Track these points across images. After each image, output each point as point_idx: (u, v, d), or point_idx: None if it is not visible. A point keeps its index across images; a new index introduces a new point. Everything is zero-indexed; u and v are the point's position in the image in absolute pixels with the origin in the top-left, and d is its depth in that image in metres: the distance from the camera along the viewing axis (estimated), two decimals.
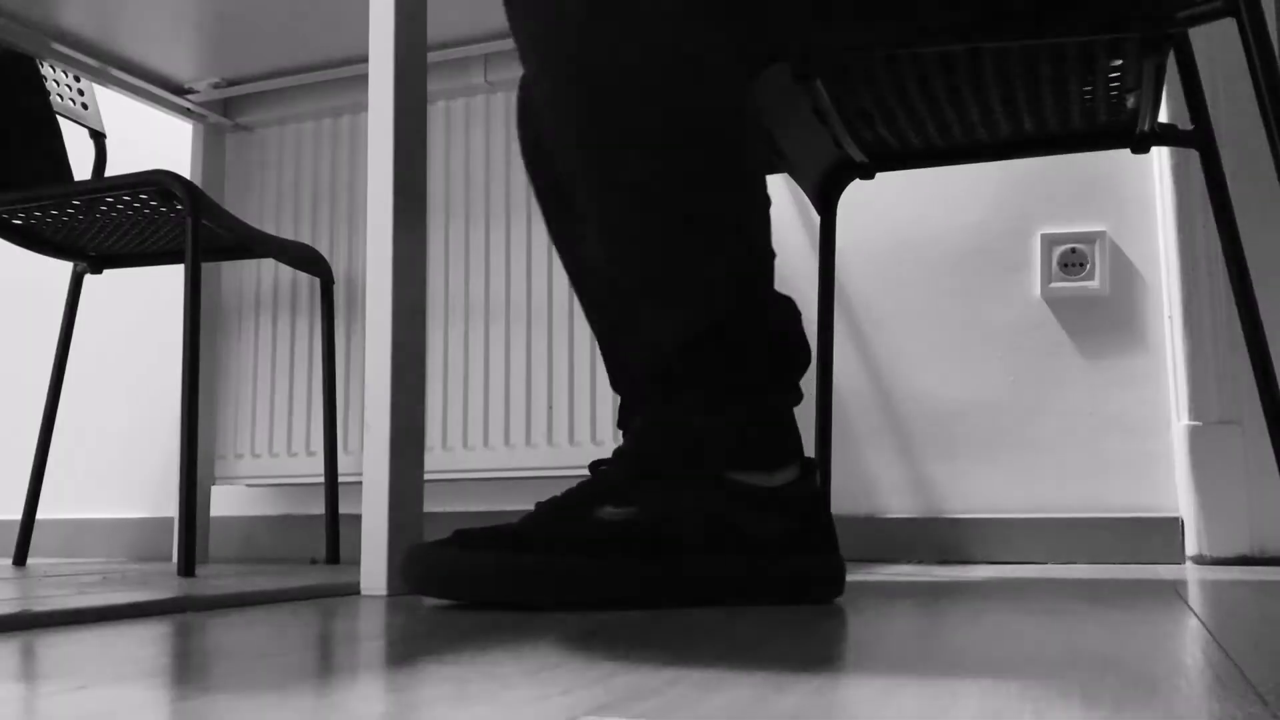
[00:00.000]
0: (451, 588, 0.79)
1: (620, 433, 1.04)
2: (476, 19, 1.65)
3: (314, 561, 1.83)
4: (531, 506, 1.76)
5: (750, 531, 0.81)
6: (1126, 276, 1.56)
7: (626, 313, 0.88)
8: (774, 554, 0.82)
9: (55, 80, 1.78)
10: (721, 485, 0.81)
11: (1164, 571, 1.27)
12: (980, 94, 1.08)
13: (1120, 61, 1.01)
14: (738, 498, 0.81)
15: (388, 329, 1.02)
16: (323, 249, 1.86)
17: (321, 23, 1.66)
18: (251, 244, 1.60)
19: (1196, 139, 1.10)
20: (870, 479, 1.63)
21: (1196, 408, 1.48)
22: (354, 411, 1.80)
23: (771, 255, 0.86)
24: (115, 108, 2.05)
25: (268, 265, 1.90)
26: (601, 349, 0.99)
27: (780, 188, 1.66)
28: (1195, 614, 0.71)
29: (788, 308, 0.87)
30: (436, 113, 1.80)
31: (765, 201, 0.86)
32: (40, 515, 2.09)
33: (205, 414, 1.88)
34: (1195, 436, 1.48)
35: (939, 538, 1.58)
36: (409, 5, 1.07)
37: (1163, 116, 1.18)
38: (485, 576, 0.77)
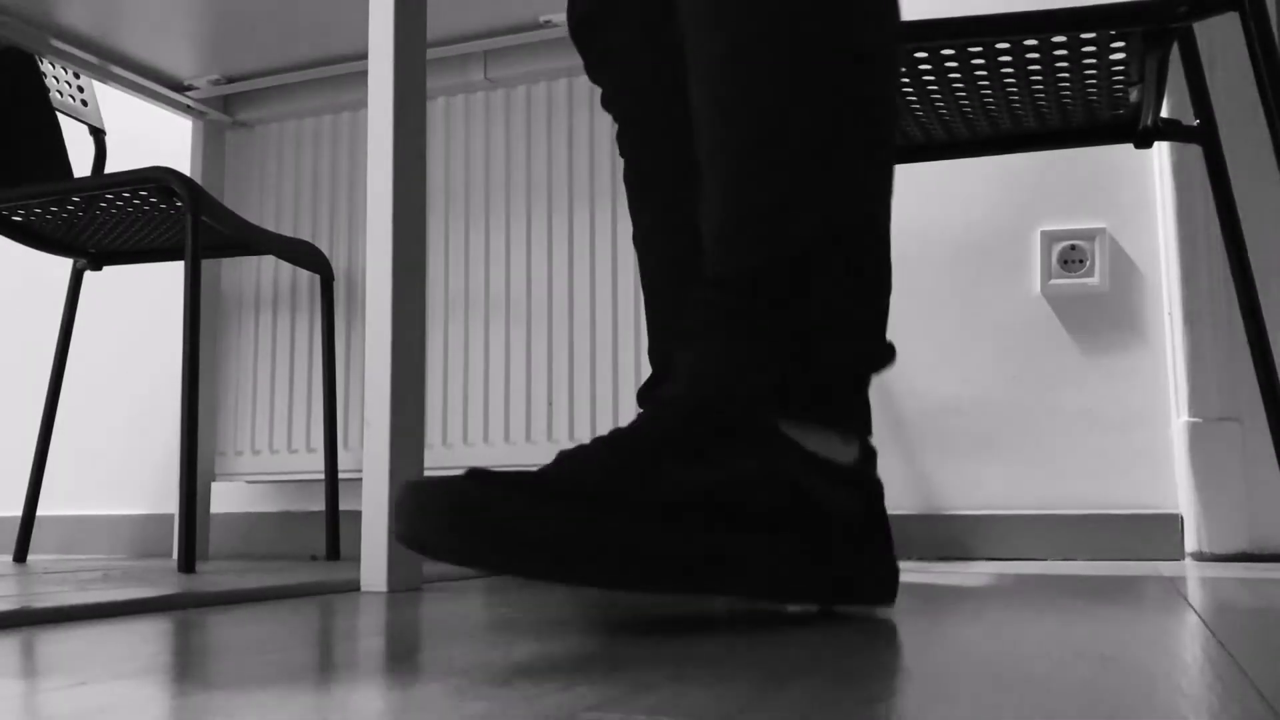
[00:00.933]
0: (507, 555, 0.57)
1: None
2: (476, 15, 1.65)
3: (314, 558, 1.83)
4: None
5: (834, 511, 0.69)
6: (1126, 273, 1.56)
7: (747, 197, 0.71)
8: (855, 546, 0.70)
9: (55, 77, 1.78)
10: (794, 452, 0.67)
11: (1164, 568, 1.27)
12: (982, 88, 1.08)
13: (1123, 55, 1.01)
14: (812, 468, 0.68)
15: (388, 325, 1.02)
16: (323, 246, 1.86)
17: (321, 19, 1.66)
18: (251, 241, 1.60)
19: (1200, 134, 1.10)
20: None
21: (1196, 404, 1.48)
22: (354, 408, 1.80)
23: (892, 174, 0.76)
24: (115, 105, 2.05)
25: (268, 262, 1.90)
26: (652, 286, 0.92)
27: None
28: (1195, 610, 0.71)
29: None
30: (436, 109, 1.80)
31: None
32: (41, 512, 2.09)
33: (205, 410, 1.88)
34: (1195, 433, 1.47)
35: (938, 534, 1.58)
36: (408, 2, 1.07)
37: (1164, 112, 1.18)
38: (560, 544, 0.57)
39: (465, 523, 0.56)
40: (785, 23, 0.69)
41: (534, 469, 0.62)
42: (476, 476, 0.58)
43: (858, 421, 0.72)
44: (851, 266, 0.71)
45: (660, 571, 0.59)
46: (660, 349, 0.95)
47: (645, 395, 0.90)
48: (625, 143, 0.99)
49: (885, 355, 0.74)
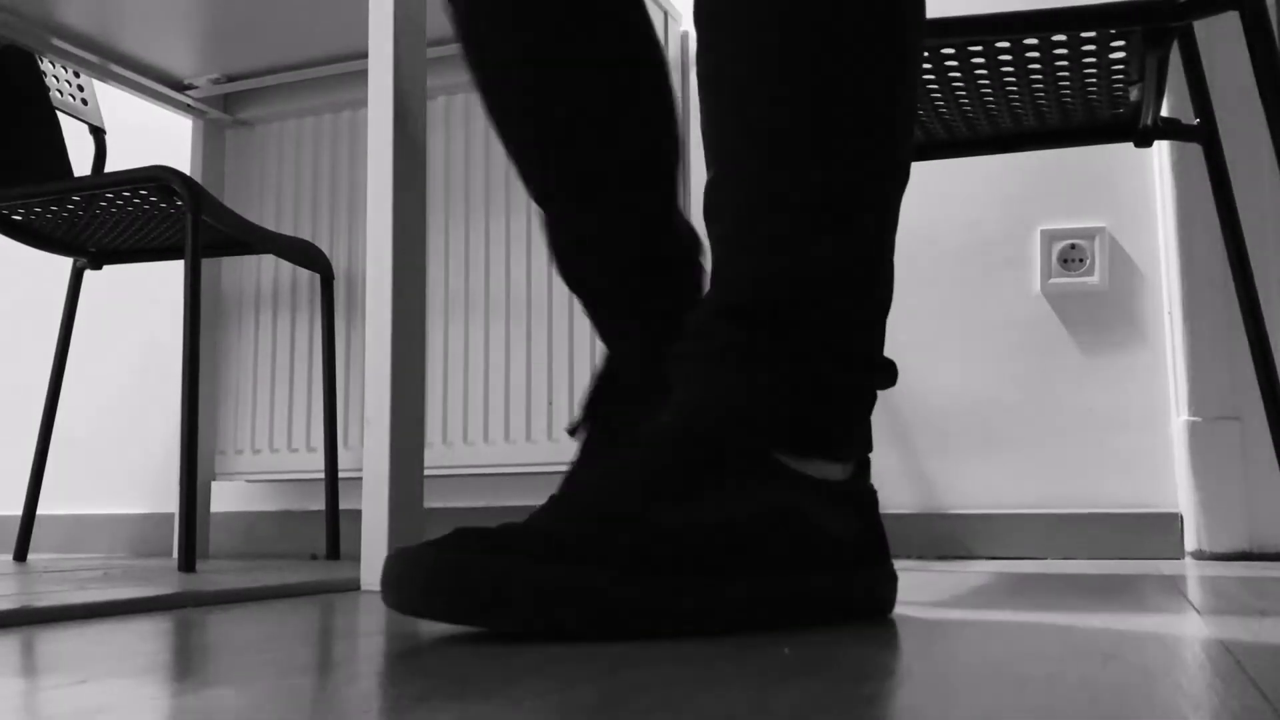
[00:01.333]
0: (479, 611, 0.58)
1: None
2: None
3: (314, 557, 1.83)
4: (533, 502, 1.76)
5: (829, 530, 0.67)
6: (1126, 272, 1.56)
7: (757, 218, 0.69)
8: (851, 563, 0.68)
9: (55, 76, 1.78)
10: (790, 477, 0.66)
11: (1163, 567, 1.27)
12: (982, 88, 1.08)
13: (1123, 54, 1.01)
14: (811, 492, 0.67)
15: (388, 324, 1.02)
16: (323, 245, 1.86)
17: (322, 18, 1.66)
18: (251, 240, 1.60)
19: (1200, 133, 1.10)
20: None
21: (1196, 403, 1.48)
22: (354, 407, 1.80)
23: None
24: (115, 103, 2.05)
25: (268, 261, 1.90)
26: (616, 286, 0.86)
27: None
28: (1194, 609, 0.71)
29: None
30: (436, 108, 1.80)
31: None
32: (41, 510, 2.09)
33: (205, 409, 1.88)
34: (1195, 432, 1.47)
35: (938, 533, 1.58)
36: (409, 2, 1.07)
37: (1164, 111, 1.18)
38: (527, 598, 0.58)
39: (442, 587, 0.58)
40: (815, 48, 0.67)
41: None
42: (455, 539, 0.60)
43: (858, 445, 0.71)
44: (862, 289, 0.69)
45: (627, 619, 0.59)
46: (619, 337, 0.88)
47: (603, 388, 0.86)
48: (525, 131, 0.86)
49: (889, 376, 0.72)
